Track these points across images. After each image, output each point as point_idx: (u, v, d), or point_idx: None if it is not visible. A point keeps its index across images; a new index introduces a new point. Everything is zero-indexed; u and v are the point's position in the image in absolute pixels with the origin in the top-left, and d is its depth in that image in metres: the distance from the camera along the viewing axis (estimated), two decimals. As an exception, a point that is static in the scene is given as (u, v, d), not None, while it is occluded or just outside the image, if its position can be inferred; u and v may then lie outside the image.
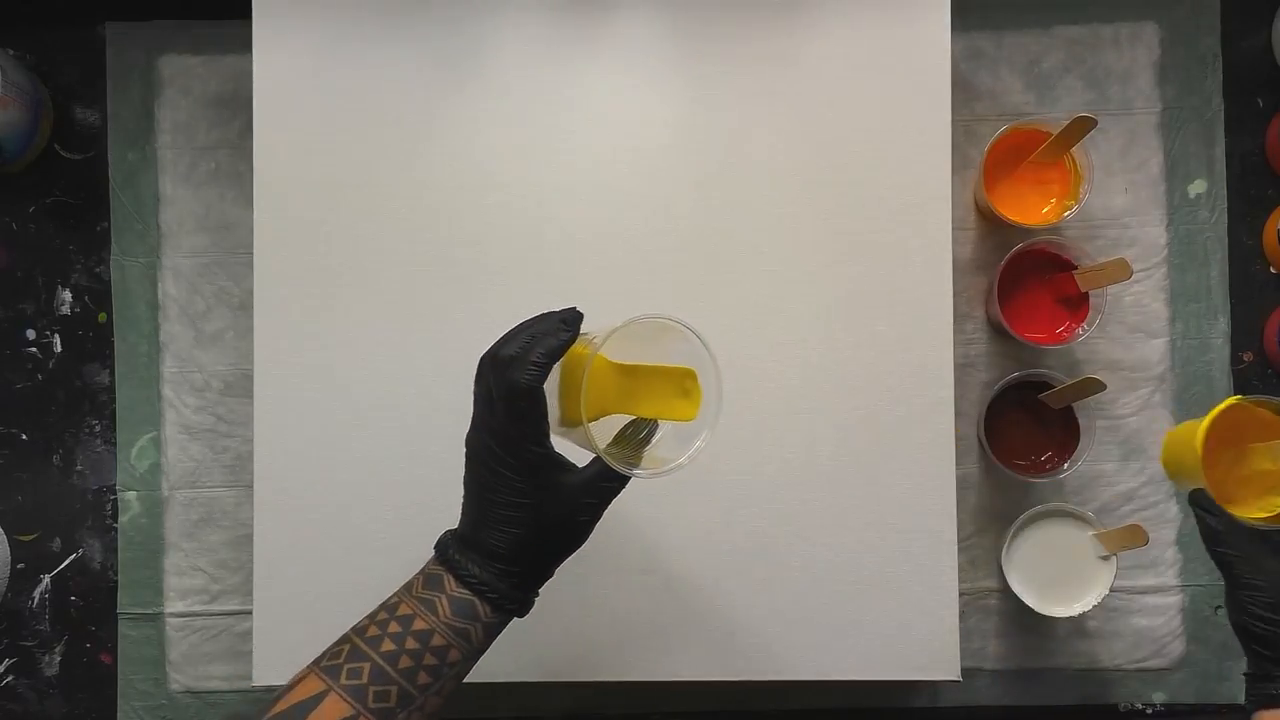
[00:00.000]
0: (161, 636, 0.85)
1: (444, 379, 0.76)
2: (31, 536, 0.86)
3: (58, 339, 0.86)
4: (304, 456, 0.76)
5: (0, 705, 0.85)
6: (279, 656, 0.75)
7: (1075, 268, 0.79)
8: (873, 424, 0.74)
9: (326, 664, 0.55)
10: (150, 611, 0.85)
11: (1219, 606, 0.82)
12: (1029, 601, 0.78)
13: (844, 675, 0.74)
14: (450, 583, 0.56)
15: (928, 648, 0.74)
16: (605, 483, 0.56)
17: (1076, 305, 0.80)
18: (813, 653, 0.74)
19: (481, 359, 0.56)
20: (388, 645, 0.54)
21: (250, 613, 0.76)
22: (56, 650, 0.86)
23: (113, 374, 0.86)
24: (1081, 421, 0.80)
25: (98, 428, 0.86)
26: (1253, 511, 0.65)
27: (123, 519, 0.85)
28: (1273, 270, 0.84)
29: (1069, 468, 0.79)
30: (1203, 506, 0.64)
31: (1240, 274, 0.83)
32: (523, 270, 0.76)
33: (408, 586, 0.57)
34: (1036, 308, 0.81)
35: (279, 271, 0.76)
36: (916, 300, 0.75)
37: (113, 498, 0.86)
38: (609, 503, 0.57)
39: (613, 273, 0.76)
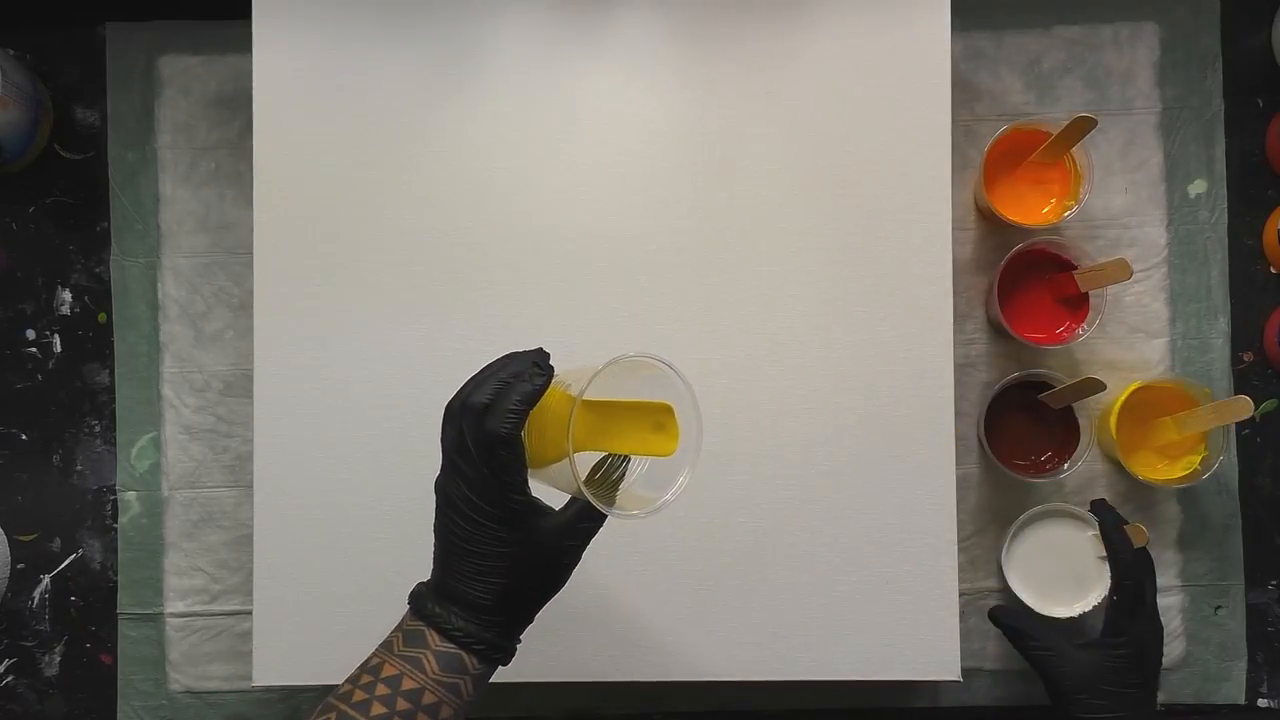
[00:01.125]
0: (161, 636, 0.85)
1: (444, 378, 0.75)
2: (31, 536, 0.86)
3: (58, 339, 0.86)
4: (304, 456, 0.76)
5: (0, 705, 0.85)
6: (279, 656, 0.75)
7: (1075, 268, 0.79)
8: (873, 424, 0.74)
9: None
10: (150, 611, 0.85)
11: (1219, 606, 0.82)
12: (1029, 601, 0.78)
13: (844, 675, 0.74)
14: (433, 638, 0.54)
15: (928, 648, 0.74)
16: (585, 524, 0.55)
17: (1076, 305, 0.80)
18: (813, 653, 0.74)
19: (449, 406, 0.55)
20: (378, 709, 0.53)
21: (250, 613, 0.76)
22: (56, 650, 0.86)
23: (113, 374, 0.86)
24: (1081, 421, 0.80)
25: (98, 428, 0.86)
26: (1174, 473, 0.80)
27: (123, 519, 0.85)
28: (1273, 270, 0.84)
29: (1069, 468, 0.79)
30: (1003, 620, 0.77)
31: (1240, 274, 0.83)
32: (522, 269, 0.76)
33: (387, 645, 0.56)
34: (1036, 308, 0.81)
35: (279, 271, 0.76)
36: (916, 300, 0.75)
37: (113, 498, 0.86)
38: (588, 543, 0.56)
39: (612, 273, 0.76)
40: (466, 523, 0.54)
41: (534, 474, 0.56)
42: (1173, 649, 0.82)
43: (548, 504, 0.56)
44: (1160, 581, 0.82)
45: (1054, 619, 0.78)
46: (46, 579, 0.86)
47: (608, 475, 0.58)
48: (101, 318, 0.86)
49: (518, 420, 0.52)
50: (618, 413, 0.56)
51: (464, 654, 0.54)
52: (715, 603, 0.75)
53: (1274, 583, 0.83)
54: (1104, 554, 0.78)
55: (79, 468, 0.86)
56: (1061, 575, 0.79)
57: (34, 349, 0.86)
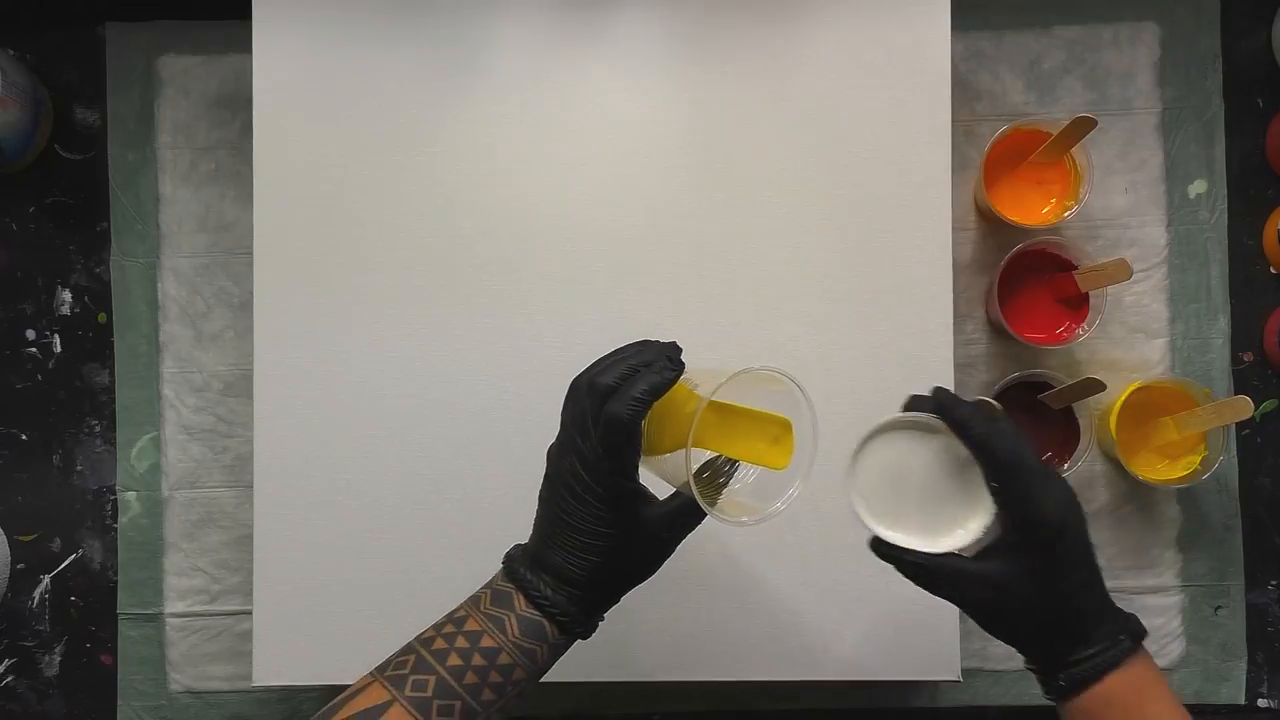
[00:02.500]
0: (161, 636, 0.85)
1: (444, 378, 0.76)
2: (31, 536, 0.86)
3: (58, 339, 0.86)
4: (304, 456, 0.76)
5: (0, 705, 0.85)
6: (279, 656, 0.75)
7: (1075, 268, 0.79)
8: (873, 424, 0.74)
9: (392, 673, 0.55)
10: (150, 612, 0.85)
11: (1219, 606, 0.82)
12: (905, 542, 0.59)
13: (844, 675, 0.74)
14: (520, 601, 0.56)
15: (928, 648, 0.74)
16: (685, 519, 0.56)
17: (1076, 305, 0.80)
18: (813, 653, 0.74)
19: (575, 381, 0.56)
20: (454, 659, 0.54)
21: (250, 613, 0.76)
22: (56, 650, 0.86)
23: (113, 374, 0.86)
24: (1081, 422, 0.80)
25: (98, 428, 0.86)
26: (1174, 473, 0.79)
27: (123, 519, 0.85)
28: (1273, 270, 0.84)
29: (1069, 468, 0.79)
30: (888, 555, 0.59)
31: (1240, 274, 0.83)
32: (522, 269, 0.76)
33: (475, 600, 0.57)
34: (1036, 308, 0.81)
35: (279, 271, 0.76)
36: (916, 300, 0.75)
37: (113, 498, 0.86)
38: (684, 537, 0.57)
39: (612, 273, 0.76)
40: (573, 498, 0.55)
41: (645, 462, 0.56)
42: (1173, 649, 0.82)
43: (653, 493, 0.57)
44: (1160, 581, 0.82)
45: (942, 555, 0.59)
46: (46, 579, 0.86)
47: (714, 477, 0.59)
48: (101, 318, 0.86)
49: (641, 408, 0.53)
50: (738, 418, 0.57)
51: (546, 622, 0.56)
52: (715, 603, 0.74)
53: (1274, 583, 0.83)
54: (966, 453, 0.58)
55: (79, 468, 0.86)
56: (928, 499, 0.59)
57: (34, 349, 0.86)
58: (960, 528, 0.58)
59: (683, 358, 0.56)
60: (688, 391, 0.56)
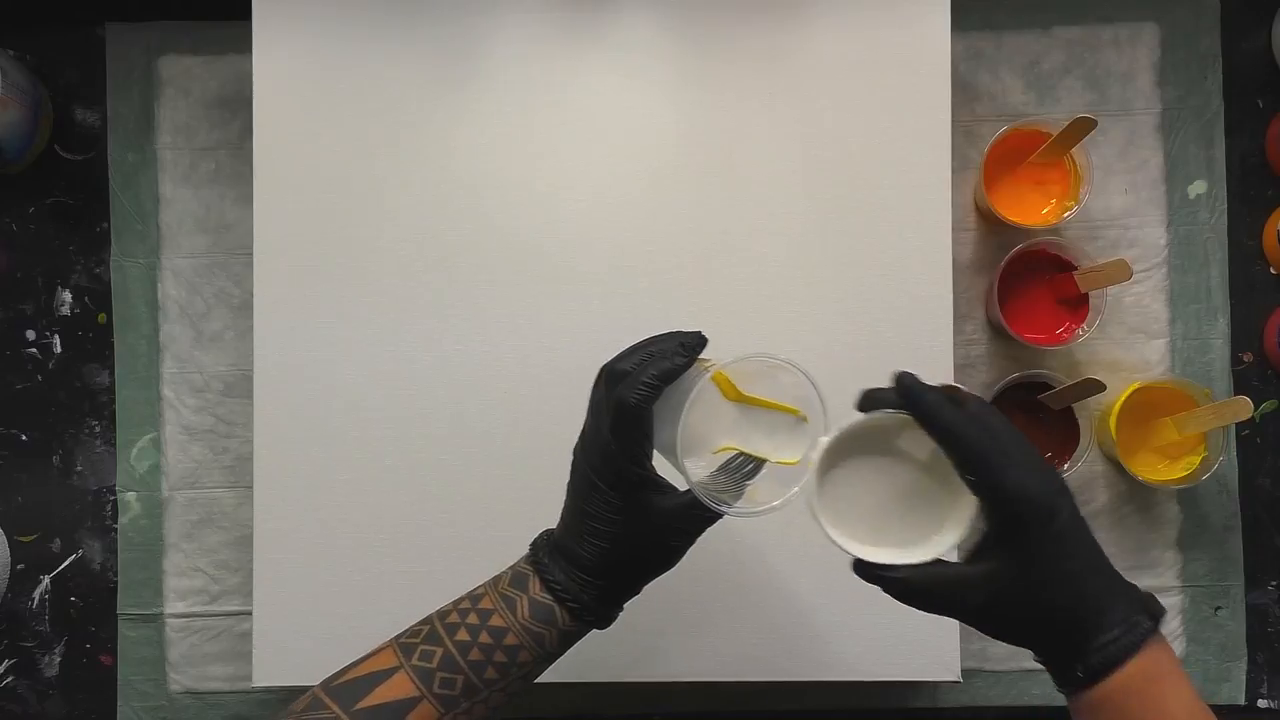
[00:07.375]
0: (161, 637, 0.85)
1: (444, 379, 0.76)
2: (31, 537, 0.86)
3: (58, 339, 0.86)
4: (304, 456, 0.76)
5: (0, 705, 0.85)
6: (279, 657, 0.75)
7: (1075, 268, 0.79)
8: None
9: (405, 641, 0.56)
10: (150, 612, 0.85)
11: (1219, 607, 0.82)
12: (890, 558, 0.52)
13: (844, 675, 0.74)
14: (535, 585, 0.56)
15: (928, 648, 0.74)
16: (699, 511, 0.55)
17: (1076, 306, 0.80)
18: (812, 653, 0.74)
19: (601, 369, 0.56)
20: (463, 635, 0.55)
21: (250, 613, 0.76)
22: (56, 651, 0.86)
23: (113, 374, 0.86)
24: (1081, 422, 0.80)
25: (98, 428, 0.86)
26: (1174, 473, 0.79)
27: (123, 520, 0.85)
28: (1273, 271, 0.84)
29: (1069, 468, 0.79)
30: (872, 576, 0.53)
31: (1240, 274, 0.83)
32: (523, 269, 0.76)
33: (495, 580, 0.57)
34: (1036, 308, 0.81)
35: (279, 271, 0.76)
36: (916, 300, 0.75)
37: (113, 498, 0.86)
38: (702, 531, 0.56)
39: (613, 273, 0.76)
40: (586, 483, 0.55)
41: (668, 454, 0.56)
42: (1173, 649, 0.82)
43: (672, 483, 0.56)
44: (1160, 582, 0.82)
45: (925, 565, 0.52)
46: (46, 580, 0.86)
47: (740, 468, 0.57)
48: (101, 318, 0.86)
49: (648, 393, 0.53)
50: (756, 412, 0.56)
51: (557, 607, 0.55)
52: (715, 603, 0.74)
53: (1274, 583, 0.83)
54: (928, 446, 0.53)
55: (79, 468, 0.86)
56: (905, 507, 0.54)
57: (34, 349, 0.86)
58: (942, 532, 0.53)
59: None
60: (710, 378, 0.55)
